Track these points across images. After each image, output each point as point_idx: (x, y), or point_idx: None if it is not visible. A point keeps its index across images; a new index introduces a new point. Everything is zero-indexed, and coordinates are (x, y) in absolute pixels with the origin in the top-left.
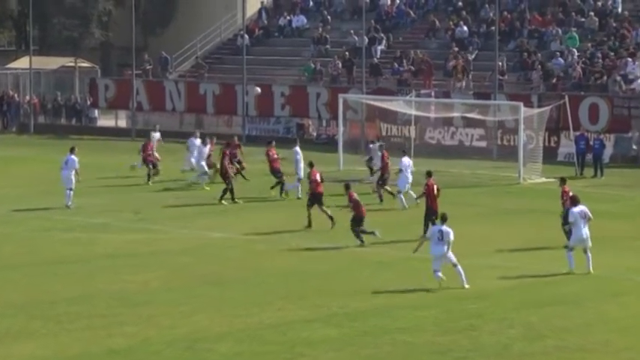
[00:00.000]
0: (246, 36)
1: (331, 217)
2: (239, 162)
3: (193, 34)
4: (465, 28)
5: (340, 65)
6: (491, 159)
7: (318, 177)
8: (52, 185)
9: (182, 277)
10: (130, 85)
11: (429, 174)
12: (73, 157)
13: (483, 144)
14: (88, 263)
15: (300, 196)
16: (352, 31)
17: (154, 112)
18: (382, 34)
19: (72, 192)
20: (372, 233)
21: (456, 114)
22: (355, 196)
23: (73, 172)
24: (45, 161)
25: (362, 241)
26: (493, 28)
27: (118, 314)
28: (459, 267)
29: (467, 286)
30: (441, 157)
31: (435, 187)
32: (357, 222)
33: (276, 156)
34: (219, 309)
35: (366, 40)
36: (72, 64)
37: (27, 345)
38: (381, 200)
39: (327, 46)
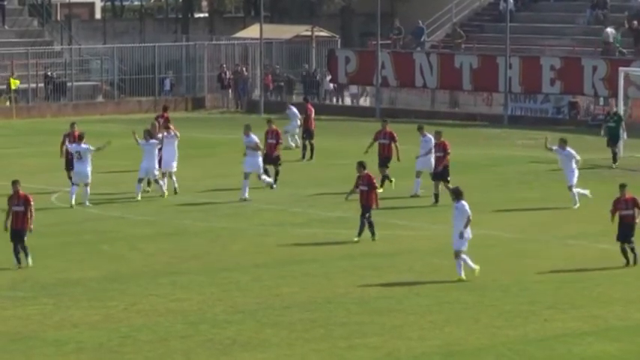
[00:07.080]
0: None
1: None
2: None
3: None
4: None
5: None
6: None
7: None
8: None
9: (432, 281)
10: (374, 58)
11: None
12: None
13: None
14: (325, 263)
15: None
16: None
17: (402, 89)
18: None
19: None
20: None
21: None
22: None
23: None
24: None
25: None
26: None
27: (359, 322)
28: None
29: None
30: None
31: None
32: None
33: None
34: (477, 319)
35: None
36: (308, 33)
37: (256, 355)
38: None
39: (606, 11)
